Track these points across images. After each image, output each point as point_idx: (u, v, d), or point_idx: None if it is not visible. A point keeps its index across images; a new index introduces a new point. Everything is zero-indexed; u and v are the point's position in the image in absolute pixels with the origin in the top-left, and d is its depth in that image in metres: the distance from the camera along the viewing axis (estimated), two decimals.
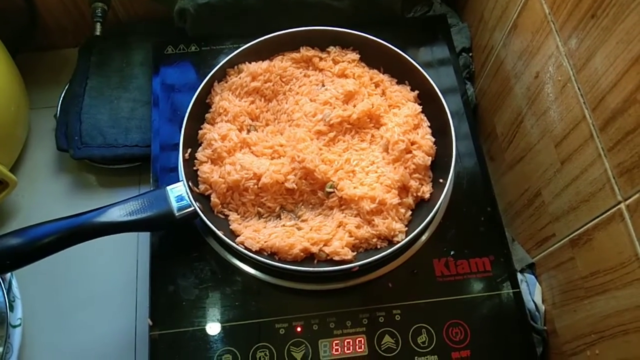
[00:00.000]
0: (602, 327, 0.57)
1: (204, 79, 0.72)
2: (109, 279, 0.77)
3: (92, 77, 0.85)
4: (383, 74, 0.76)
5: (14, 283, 0.73)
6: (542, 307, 0.70)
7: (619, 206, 0.52)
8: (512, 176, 0.76)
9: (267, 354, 0.63)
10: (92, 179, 0.85)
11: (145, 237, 0.74)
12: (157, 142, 0.75)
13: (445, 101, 0.69)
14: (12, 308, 0.71)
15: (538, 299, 0.70)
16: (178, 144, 0.68)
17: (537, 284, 0.71)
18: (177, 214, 0.63)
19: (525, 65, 0.68)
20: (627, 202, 0.50)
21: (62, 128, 0.82)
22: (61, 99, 0.86)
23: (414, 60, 0.72)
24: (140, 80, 0.84)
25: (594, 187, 0.56)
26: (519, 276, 0.71)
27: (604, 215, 0.54)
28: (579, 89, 0.56)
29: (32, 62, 0.92)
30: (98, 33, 0.84)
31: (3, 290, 0.71)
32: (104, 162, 0.82)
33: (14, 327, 0.71)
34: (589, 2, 0.52)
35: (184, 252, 0.68)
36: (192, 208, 0.64)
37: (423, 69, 0.72)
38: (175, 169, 0.70)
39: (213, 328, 0.64)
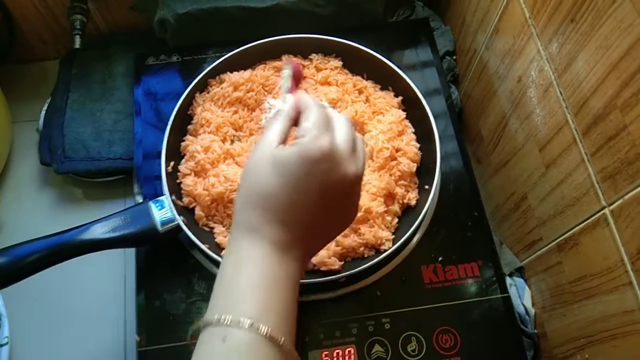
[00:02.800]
0: (590, 331, 0.56)
1: (186, 89, 0.71)
2: (96, 293, 0.76)
3: (73, 90, 0.84)
4: (366, 80, 0.75)
5: (0, 300, 0.72)
6: (532, 311, 0.70)
7: (603, 211, 0.51)
8: (499, 180, 0.75)
9: None
10: (77, 193, 0.84)
11: (131, 250, 0.73)
12: (140, 152, 0.74)
13: (430, 106, 0.69)
14: None
15: (528, 302, 0.70)
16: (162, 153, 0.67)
17: (527, 287, 0.71)
18: (160, 229, 0.63)
19: (507, 68, 0.67)
20: (612, 207, 0.50)
21: (45, 142, 0.81)
22: (43, 112, 0.84)
23: (397, 66, 0.72)
24: (123, 92, 0.83)
25: (579, 191, 0.55)
26: (508, 280, 0.71)
27: (589, 220, 0.54)
28: (560, 93, 0.56)
29: (12, 75, 0.91)
30: (77, 46, 0.83)
31: None
32: (88, 176, 0.81)
33: (1, 345, 0.70)
34: (567, 6, 0.52)
35: (170, 266, 0.68)
36: (176, 222, 0.63)
37: (406, 74, 0.71)
38: (160, 177, 0.69)
39: None
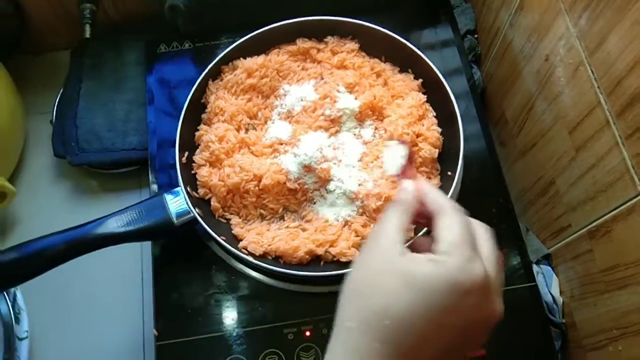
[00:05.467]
0: (624, 322, 0.54)
1: (199, 77, 0.69)
2: (114, 286, 0.75)
3: (85, 80, 0.82)
4: (384, 63, 0.72)
5: (19, 295, 0.72)
6: (560, 300, 0.67)
7: (639, 197, 0.48)
8: (525, 163, 0.72)
9: None
10: (92, 185, 0.83)
11: (147, 242, 0.72)
12: (154, 141, 0.73)
13: (451, 87, 0.66)
14: (17, 320, 0.70)
15: (555, 291, 0.67)
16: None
17: (554, 275, 0.68)
18: (176, 222, 0.61)
19: (534, 47, 0.64)
20: None
21: (59, 134, 0.80)
22: (56, 104, 0.83)
23: (416, 47, 0.69)
24: (136, 81, 0.82)
25: (612, 176, 0.52)
26: (535, 268, 0.68)
27: (623, 207, 0.51)
28: (592, 72, 0.53)
29: (24, 66, 0.90)
30: (88, 35, 0.81)
31: (8, 303, 0.70)
32: (103, 167, 0.80)
33: (21, 339, 0.70)
34: None
35: (187, 259, 0.67)
36: (192, 214, 0.62)
37: (426, 55, 0.68)
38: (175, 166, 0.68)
39: (220, 336, 0.62)
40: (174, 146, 0.66)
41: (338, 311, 0.36)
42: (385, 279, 0.33)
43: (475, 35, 0.81)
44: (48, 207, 0.81)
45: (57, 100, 0.83)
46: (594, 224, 0.57)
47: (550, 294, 0.68)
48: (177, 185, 0.64)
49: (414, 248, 0.37)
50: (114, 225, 0.60)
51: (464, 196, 0.67)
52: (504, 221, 0.67)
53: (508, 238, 0.66)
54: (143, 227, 0.61)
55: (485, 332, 0.35)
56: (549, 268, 0.69)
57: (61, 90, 0.84)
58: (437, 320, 0.32)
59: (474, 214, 0.66)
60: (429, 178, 0.65)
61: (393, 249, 0.35)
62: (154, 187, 0.71)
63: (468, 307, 0.33)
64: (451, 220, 0.35)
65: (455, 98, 0.65)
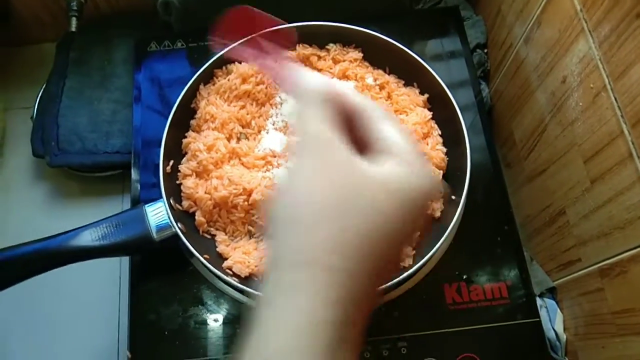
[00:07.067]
0: None
1: (190, 79, 0.65)
2: (88, 301, 0.70)
3: (70, 75, 0.77)
4: (389, 74, 0.68)
5: None
6: (564, 337, 0.63)
7: None
8: (532, 189, 0.68)
9: None
10: (72, 187, 0.78)
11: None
12: (139, 139, 0.68)
13: (458, 104, 0.62)
14: None
15: (559, 327, 0.63)
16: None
17: (558, 310, 0.64)
18: (156, 236, 0.57)
19: (550, 67, 0.60)
20: None
21: (39, 132, 0.75)
22: (38, 99, 0.78)
23: (423, 60, 0.65)
24: (123, 79, 0.77)
25: (632, 214, 0.48)
26: (539, 301, 0.64)
27: None
28: (615, 100, 0.49)
29: (7, 58, 0.85)
30: (74, 28, 0.76)
31: None
32: (84, 170, 0.75)
33: None
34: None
35: (167, 276, 0.62)
36: (173, 230, 0.57)
37: (433, 69, 0.64)
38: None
39: None
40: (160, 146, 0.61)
41: (280, 248, 0.28)
42: (363, 192, 0.28)
43: (485, 50, 0.77)
44: (23, 209, 0.76)
45: (39, 95, 0.78)
46: (608, 261, 0.53)
47: (554, 329, 0.64)
48: (160, 192, 0.59)
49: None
50: (89, 239, 0.55)
51: (467, 222, 0.63)
52: (509, 251, 0.63)
53: (512, 270, 0.62)
54: (120, 241, 0.56)
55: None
56: (553, 302, 0.65)
57: (44, 85, 0.79)
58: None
59: (477, 242, 0.63)
60: (431, 201, 0.61)
61: (346, 156, 0.29)
62: (136, 186, 0.66)
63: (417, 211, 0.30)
64: (388, 125, 0.31)
65: (463, 121, 0.61)
